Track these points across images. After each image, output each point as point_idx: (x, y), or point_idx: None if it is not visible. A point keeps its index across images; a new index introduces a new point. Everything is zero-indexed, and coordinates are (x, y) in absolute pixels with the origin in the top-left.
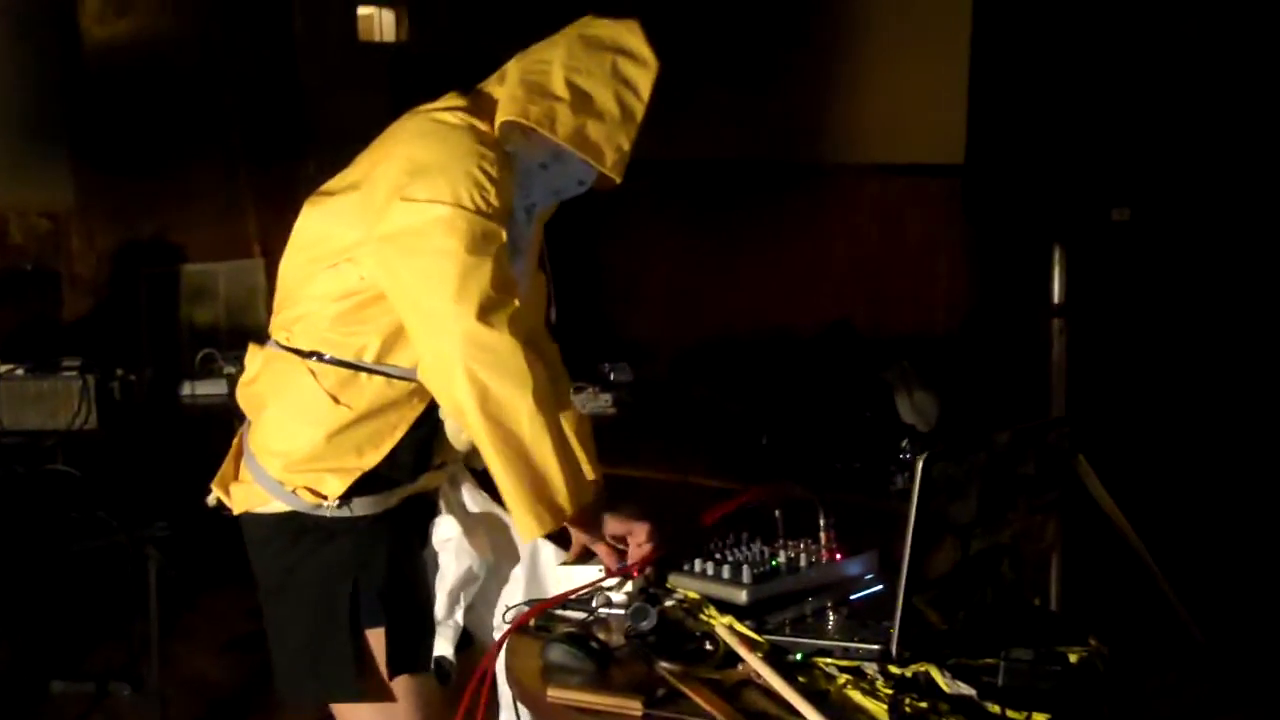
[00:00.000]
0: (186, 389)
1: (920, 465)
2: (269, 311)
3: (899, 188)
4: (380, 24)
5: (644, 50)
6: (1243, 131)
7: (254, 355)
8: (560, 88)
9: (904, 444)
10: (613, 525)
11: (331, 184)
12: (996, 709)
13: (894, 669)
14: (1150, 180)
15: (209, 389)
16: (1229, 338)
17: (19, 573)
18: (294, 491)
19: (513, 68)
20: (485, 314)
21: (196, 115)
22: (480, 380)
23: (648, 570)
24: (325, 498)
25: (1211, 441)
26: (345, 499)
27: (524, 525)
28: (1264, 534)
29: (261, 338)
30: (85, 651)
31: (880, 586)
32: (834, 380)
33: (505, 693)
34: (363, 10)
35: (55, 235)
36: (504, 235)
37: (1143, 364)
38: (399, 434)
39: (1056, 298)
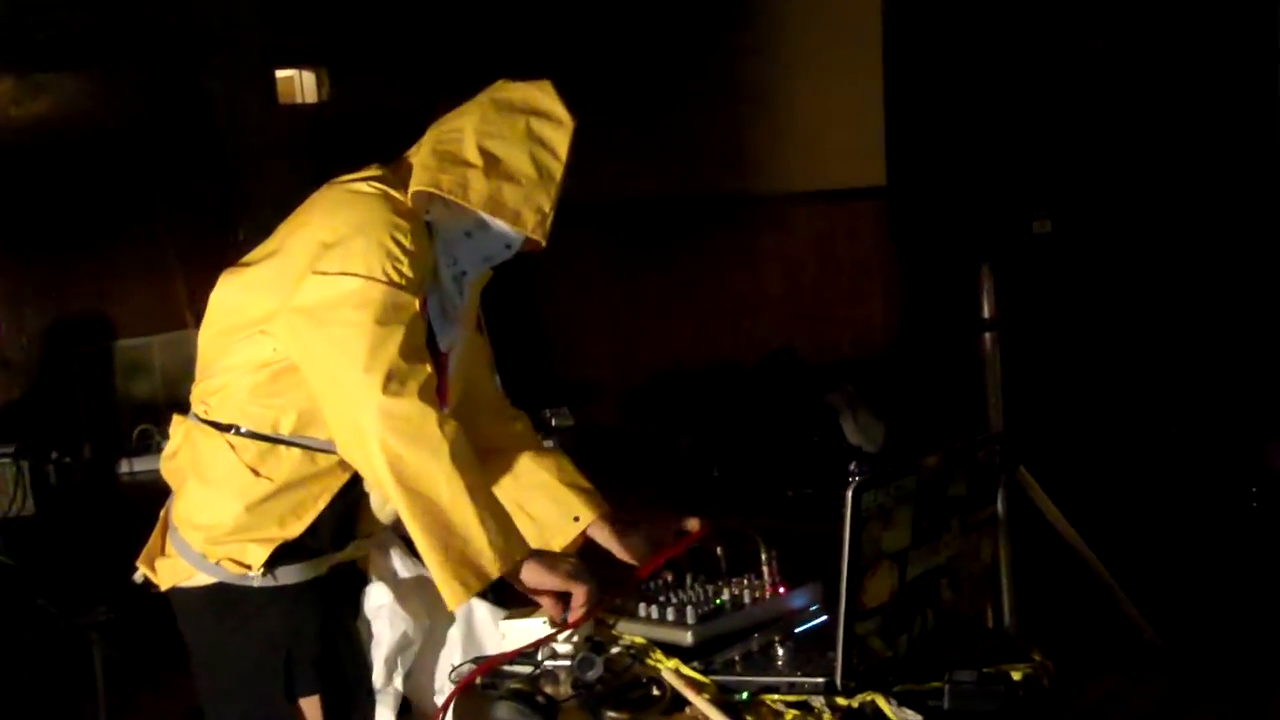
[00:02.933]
0: (125, 466)
1: (849, 495)
2: None
3: (829, 213)
4: (301, 86)
5: (558, 109)
6: (1156, 139)
7: (177, 427)
8: (472, 154)
9: (852, 466)
10: (550, 582)
11: (250, 256)
12: None
13: (840, 700)
14: (1068, 191)
15: (148, 465)
16: (1157, 337)
17: None
18: (218, 563)
19: (427, 137)
20: (395, 383)
21: (119, 189)
22: (394, 449)
23: (591, 621)
24: (249, 567)
25: (1147, 440)
26: (270, 567)
27: (448, 591)
28: (1207, 531)
29: (182, 410)
30: None
31: (825, 617)
32: (779, 408)
33: None
34: (281, 73)
35: None
36: (416, 305)
37: (1077, 370)
38: (321, 505)
39: (986, 312)
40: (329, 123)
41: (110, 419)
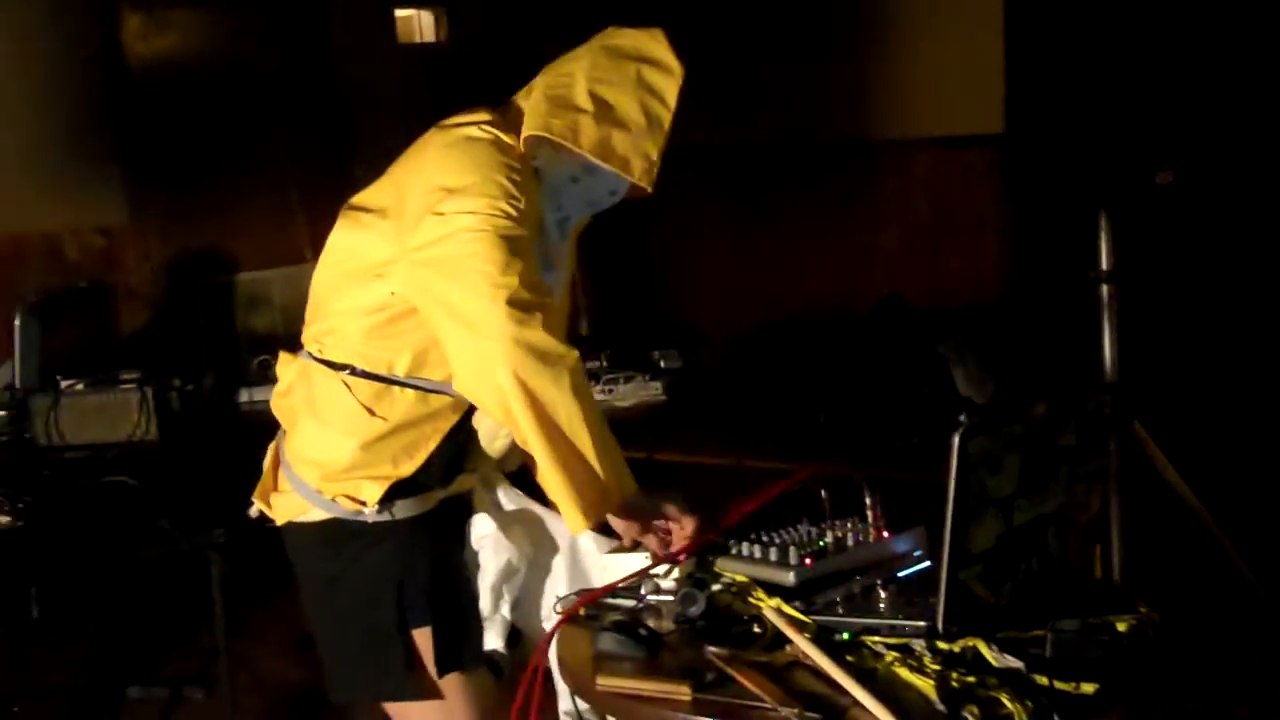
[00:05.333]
0: (245, 396)
1: (956, 440)
2: None
3: (945, 160)
4: (420, 25)
5: (668, 58)
6: None
7: (286, 366)
8: (583, 99)
9: (961, 417)
10: (654, 517)
11: (363, 197)
12: (1045, 681)
13: (941, 644)
14: (1192, 142)
15: (266, 395)
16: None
17: (92, 583)
18: (333, 499)
19: (539, 82)
20: (521, 314)
21: (242, 125)
22: (521, 378)
23: (693, 558)
24: (364, 504)
25: (1266, 401)
26: (384, 503)
27: (572, 519)
28: None
29: (294, 347)
30: (159, 658)
31: (928, 563)
32: (889, 356)
33: (563, 683)
34: (400, 12)
35: (109, 251)
36: (531, 242)
37: (1195, 326)
38: (433, 444)
39: (1104, 264)
40: (446, 62)
41: (231, 349)
